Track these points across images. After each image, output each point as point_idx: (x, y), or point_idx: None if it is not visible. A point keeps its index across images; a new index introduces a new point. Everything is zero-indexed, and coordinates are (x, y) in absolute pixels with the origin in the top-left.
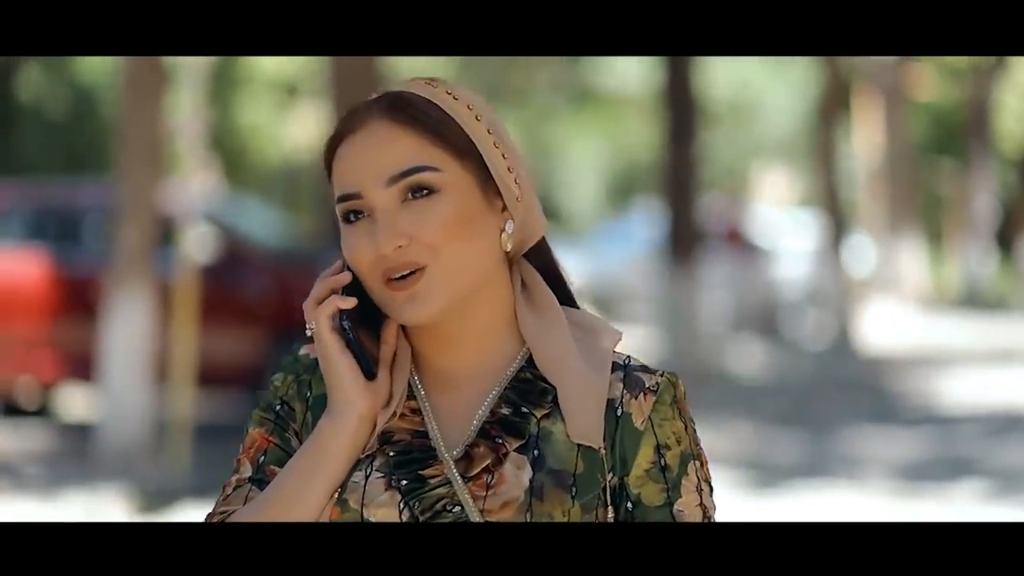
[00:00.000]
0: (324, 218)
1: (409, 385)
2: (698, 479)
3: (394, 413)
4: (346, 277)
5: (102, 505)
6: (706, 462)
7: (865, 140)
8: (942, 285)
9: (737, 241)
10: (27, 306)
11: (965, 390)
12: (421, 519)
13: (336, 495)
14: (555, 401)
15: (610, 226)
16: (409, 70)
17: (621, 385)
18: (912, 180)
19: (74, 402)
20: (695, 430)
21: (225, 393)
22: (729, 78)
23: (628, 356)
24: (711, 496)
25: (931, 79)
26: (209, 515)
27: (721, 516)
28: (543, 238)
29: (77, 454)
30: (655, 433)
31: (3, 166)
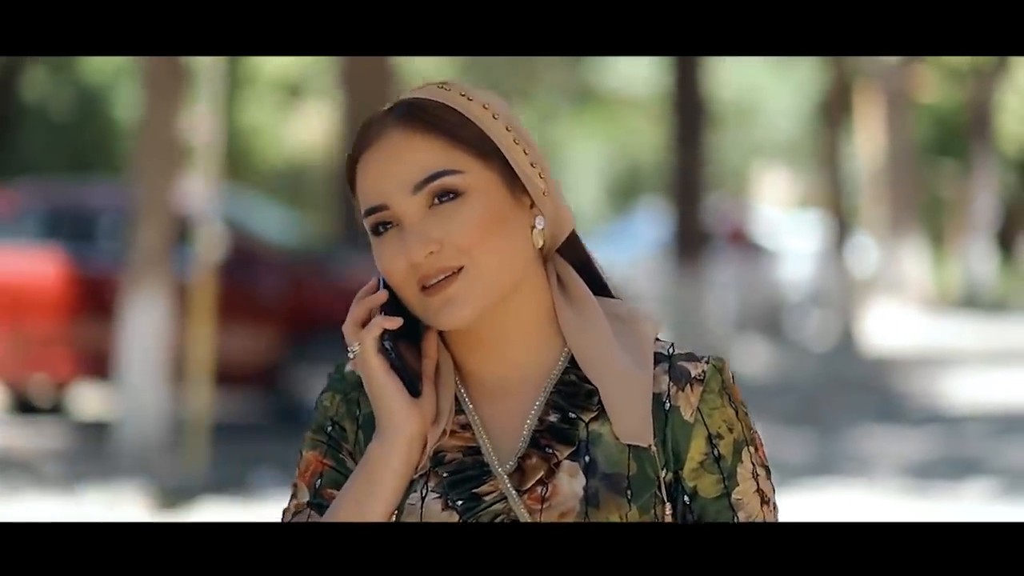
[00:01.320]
0: (334, 217)
1: (456, 399)
2: (753, 464)
3: (444, 431)
4: (383, 296)
5: (122, 502)
6: (760, 445)
7: (867, 141)
8: (944, 286)
9: (741, 242)
10: (41, 305)
11: (969, 390)
12: None
13: (394, 518)
14: (602, 403)
15: (614, 227)
16: (413, 70)
17: (667, 378)
18: (914, 181)
19: (87, 400)
20: (747, 413)
21: (239, 392)
22: (730, 80)
23: (671, 344)
24: (768, 480)
25: (933, 80)
26: None
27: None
28: (573, 231)
29: (94, 452)
30: (705, 424)
31: (8, 166)
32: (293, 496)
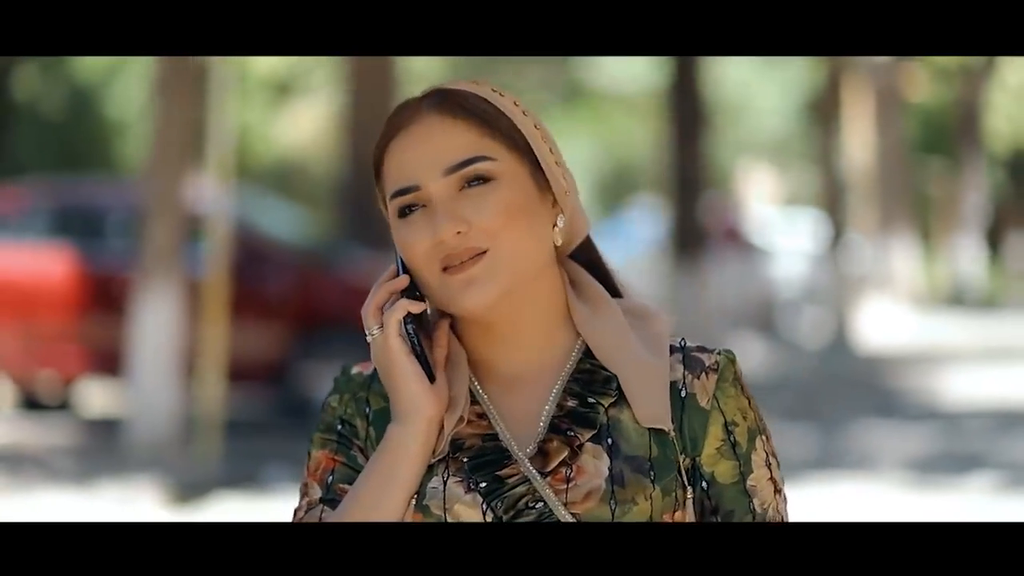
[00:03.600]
0: (333, 214)
1: (470, 391)
2: (766, 453)
3: (461, 418)
4: (404, 281)
5: (135, 497)
6: (770, 436)
7: (857, 140)
8: (934, 284)
9: (734, 240)
10: (49, 302)
11: (964, 386)
12: (504, 518)
13: (414, 501)
14: (619, 389)
15: (604, 225)
16: (410, 68)
17: (681, 367)
18: (904, 180)
19: (94, 397)
20: (757, 405)
21: (248, 389)
22: (720, 78)
23: (682, 338)
24: (778, 468)
25: (922, 80)
26: None
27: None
28: (588, 236)
29: (106, 447)
30: (721, 411)
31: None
32: (304, 495)
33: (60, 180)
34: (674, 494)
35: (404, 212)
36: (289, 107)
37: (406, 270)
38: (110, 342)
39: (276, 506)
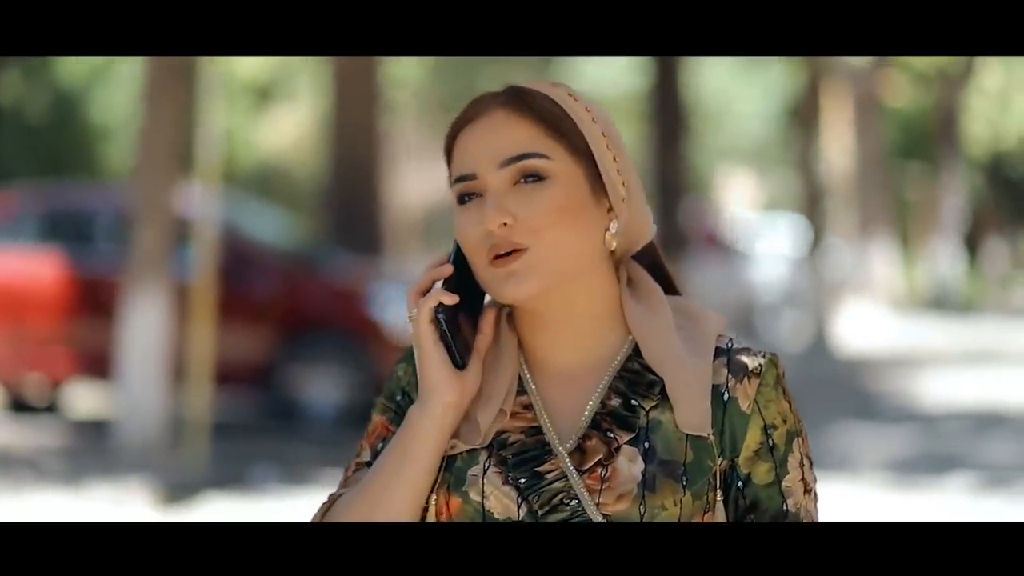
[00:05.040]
0: (317, 218)
1: (520, 380)
2: (801, 455)
3: (503, 412)
4: (448, 270)
5: (124, 498)
6: (806, 437)
7: (836, 145)
8: (913, 287)
9: (714, 244)
10: (38, 305)
11: (942, 389)
12: (539, 512)
13: (452, 485)
14: (663, 392)
15: None
16: (384, 73)
17: (725, 371)
18: (883, 184)
19: (81, 399)
20: (796, 407)
21: (234, 391)
22: (700, 83)
23: (731, 339)
24: (811, 470)
25: (900, 84)
26: (330, 495)
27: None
28: (651, 242)
29: (94, 449)
30: (762, 415)
31: None
32: (357, 455)
33: (49, 185)
34: (705, 497)
35: (463, 199)
36: (270, 111)
37: (459, 256)
38: (98, 345)
39: (263, 507)
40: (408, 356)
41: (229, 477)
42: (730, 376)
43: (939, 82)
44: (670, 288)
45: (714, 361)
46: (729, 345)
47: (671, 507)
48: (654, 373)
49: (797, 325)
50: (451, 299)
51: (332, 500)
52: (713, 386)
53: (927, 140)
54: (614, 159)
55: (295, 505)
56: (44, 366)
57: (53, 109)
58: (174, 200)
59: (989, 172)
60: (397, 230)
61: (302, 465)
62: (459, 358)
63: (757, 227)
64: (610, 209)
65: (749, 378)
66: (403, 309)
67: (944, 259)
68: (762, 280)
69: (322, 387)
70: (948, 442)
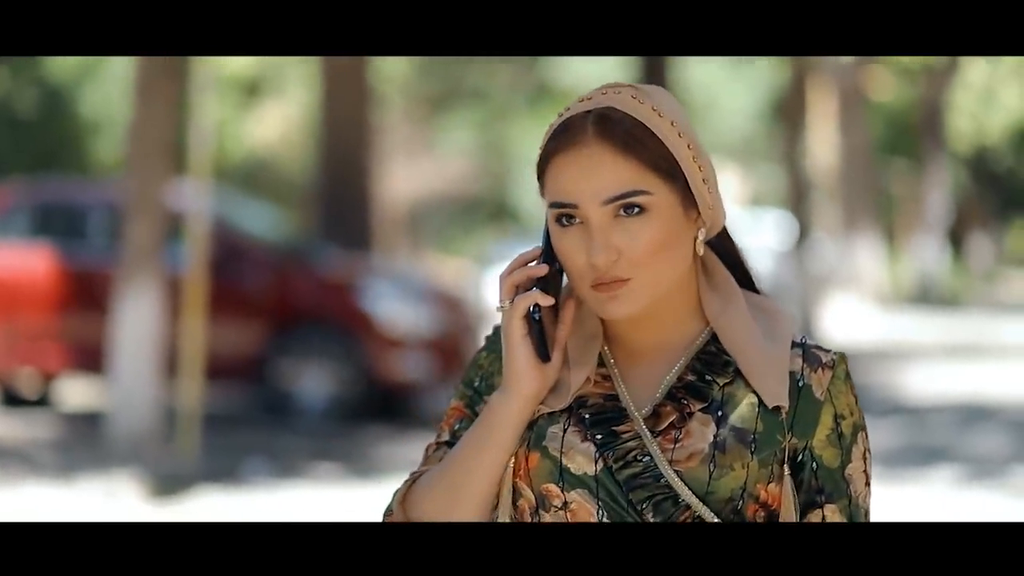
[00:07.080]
0: (306, 212)
1: (600, 356)
2: (864, 448)
3: (588, 379)
4: (544, 269)
5: (116, 491)
6: (868, 435)
7: (821, 140)
8: (898, 282)
9: None
10: (31, 299)
11: (927, 382)
12: (614, 467)
13: (533, 441)
14: (737, 372)
15: None
16: (373, 70)
17: (801, 360)
18: (868, 179)
19: (73, 393)
20: (860, 404)
21: (226, 384)
22: (686, 80)
23: (804, 336)
24: (871, 464)
25: (885, 79)
26: (412, 473)
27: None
28: (724, 226)
29: (86, 442)
30: (833, 404)
31: None
32: (437, 436)
33: (41, 179)
34: (771, 467)
35: (561, 221)
36: (258, 107)
37: (549, 256)
38: (90, 339)
39: (255, 499)
40: (491, 344)
41: (221, 470)
42: (805, 365)
43: (924, 77)
44: (743, 273)
45: (790, 351)
46: (803, 340)
47: (738, 469)
48: (730, 356)
49: None
50: (547, 301)
51: (414, 478)
52: (790, 372)
53: (912, 135)
54: (700, 168)
55: (287, 497)
56: (36, 360)
57: (43, 104)
58: (166, 194)
59: (973, 167)
60: (385, 224)
61: (294, 458)
62: (545, 352)
63: (743, 223)
64: (698, 216)
65: (823, 369)
66: (495, 296)
67: (929, 253)
68: None
69: (313, 380)
70: (933, 435)
